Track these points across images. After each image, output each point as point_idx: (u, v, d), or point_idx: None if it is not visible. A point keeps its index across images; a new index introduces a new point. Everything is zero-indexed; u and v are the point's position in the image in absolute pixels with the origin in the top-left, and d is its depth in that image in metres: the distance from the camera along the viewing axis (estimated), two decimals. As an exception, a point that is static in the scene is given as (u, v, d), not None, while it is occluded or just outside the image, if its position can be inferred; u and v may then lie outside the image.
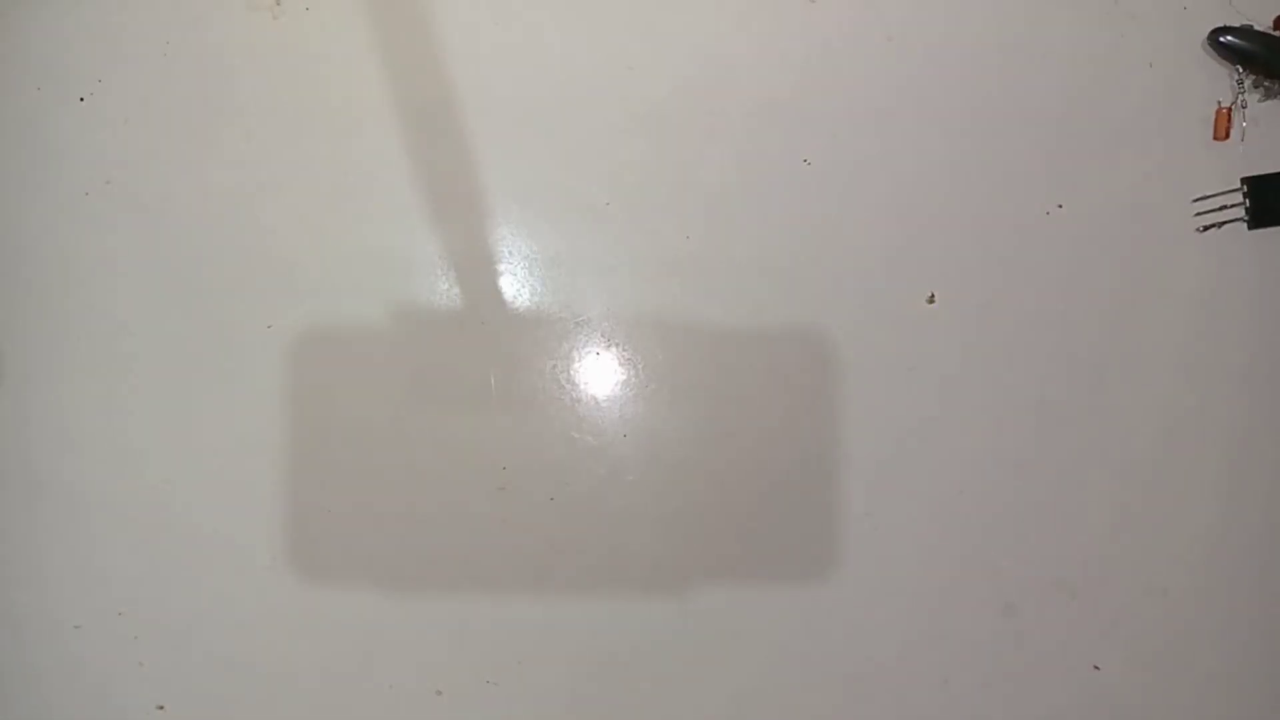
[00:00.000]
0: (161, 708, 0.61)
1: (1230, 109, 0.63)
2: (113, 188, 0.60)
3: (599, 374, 0.63)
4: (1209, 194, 0.63)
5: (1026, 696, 0.65)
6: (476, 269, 0.62)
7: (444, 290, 0.62)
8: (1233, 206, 0.63)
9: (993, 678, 0.64)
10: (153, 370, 0.60)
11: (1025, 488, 0.64)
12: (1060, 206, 0.63)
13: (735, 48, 0.62)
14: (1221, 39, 0.61)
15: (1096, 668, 0.65)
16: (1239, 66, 0.62)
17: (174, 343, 0.60)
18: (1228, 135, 0.63)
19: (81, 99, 0.60)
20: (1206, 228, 0.63)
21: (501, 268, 0.62)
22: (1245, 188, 0.63)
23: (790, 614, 0.63)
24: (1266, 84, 0.62)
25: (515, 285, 0.63)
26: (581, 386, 0.63)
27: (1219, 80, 0.63)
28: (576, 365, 0.63)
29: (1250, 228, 0.63)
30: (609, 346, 0.63)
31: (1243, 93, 0.63)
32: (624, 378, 0.63)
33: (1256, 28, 0.62)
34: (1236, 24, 0.62)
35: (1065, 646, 0.65)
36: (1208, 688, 0.65)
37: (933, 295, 0.62)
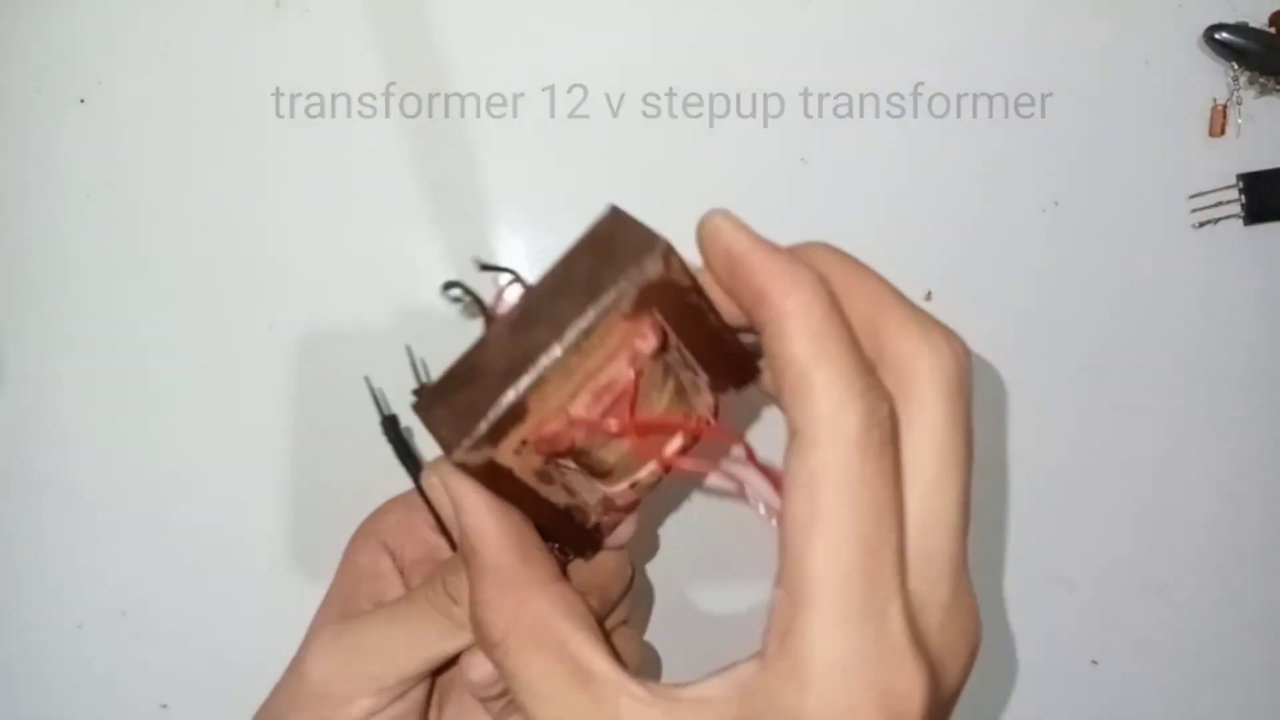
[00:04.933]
0: (165, 706, 0.61)
1: (1226, 106, 0.63)
2: (114, 190, 0.60)
3: (598, 372, 0.63)
4: (1205, 190, 0.63)
5: (1023, 691, 0.65)
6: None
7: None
8: (1229, 203, 0.63)
9: (989, 672, 0.64)
10: (154, 370, 0.60)
11: (1023, 483, 0.64)
12: (1056, 204, 0.63)
13: (733, 47, 0.62)
14: (1217, 35, 0.62)
15: (1094, 662, 0.65)
16: (1234, 63, 0.62)
17: (175, 343, 0.60)
18: (1224, 132, 0.63)
19: (81, 101, 0.60)
20: (1203, 224, 0.64)
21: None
22: (1241, 184, 0.63)
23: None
24: (1262, 80, 0.63)
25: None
26: (581, 385, 0.63)
27: (1215, 77, 0.63)
28: (576, 364, 0.63)
29: (1246, 224, 0.63)
30: (608, 345, 0.63)
31: (1238, 89, 0.63)
32: (623, 376, 0.63)
33: (1252, 24, 0.62)
34: (1232, 21, 0.62)
35: (1063, 641, 0.65)
36: (1206, 684, 0.65)
37: (929, 293, 0.62)
